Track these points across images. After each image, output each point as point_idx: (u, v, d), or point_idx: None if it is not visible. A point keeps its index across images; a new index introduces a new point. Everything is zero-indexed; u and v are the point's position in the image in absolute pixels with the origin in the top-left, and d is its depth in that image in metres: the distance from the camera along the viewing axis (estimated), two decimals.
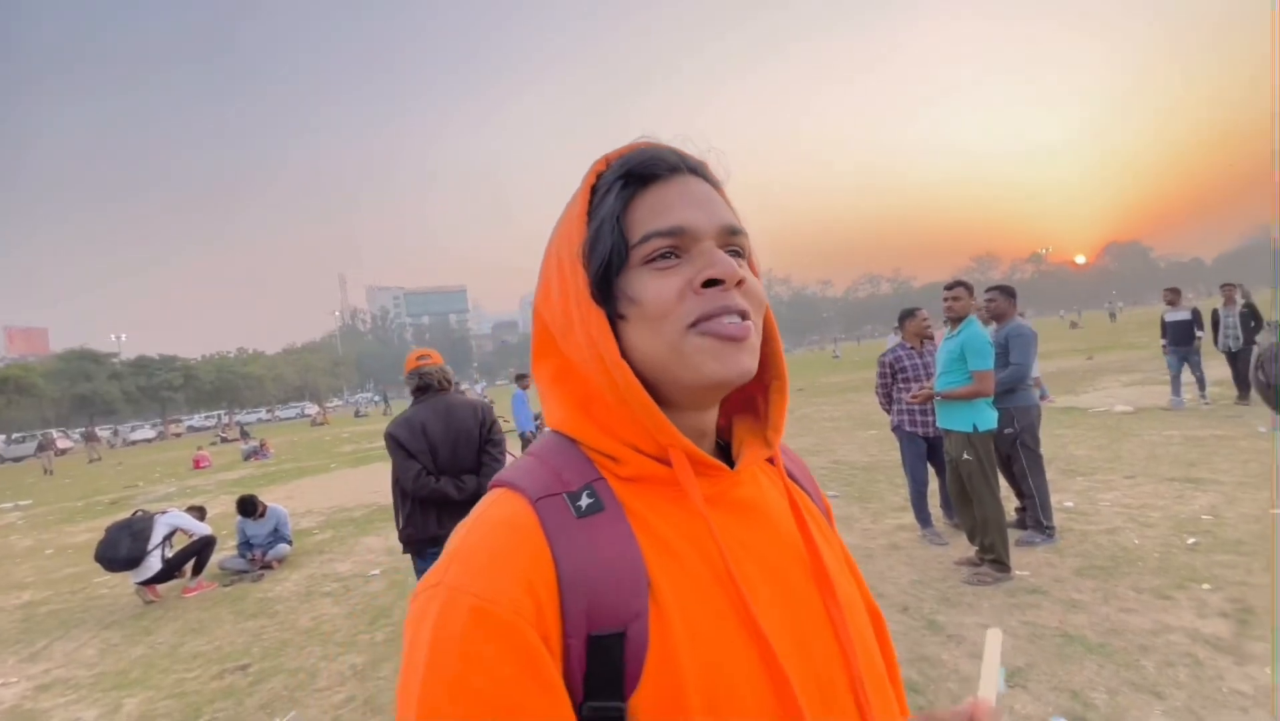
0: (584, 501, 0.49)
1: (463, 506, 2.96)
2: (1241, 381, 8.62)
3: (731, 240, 0.53)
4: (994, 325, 4.63)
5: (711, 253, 0.50)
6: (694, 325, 0.49)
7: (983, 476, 3.87)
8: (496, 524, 0.48)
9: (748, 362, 0.50)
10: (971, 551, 4.08)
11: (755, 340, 0.52)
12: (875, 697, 0.52)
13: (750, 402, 0.62)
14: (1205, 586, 3.40)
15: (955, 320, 4.05)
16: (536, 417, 10.54)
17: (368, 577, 5.45)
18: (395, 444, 2.95)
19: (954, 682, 2.78)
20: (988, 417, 3.91)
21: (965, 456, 3.89)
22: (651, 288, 0.50)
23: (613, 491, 0.51)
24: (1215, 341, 8.92)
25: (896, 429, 4.99)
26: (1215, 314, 8.99)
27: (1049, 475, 4.59)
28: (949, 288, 4.14)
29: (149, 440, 47.45)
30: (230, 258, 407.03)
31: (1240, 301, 8.78)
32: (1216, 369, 9.50)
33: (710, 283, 0.49)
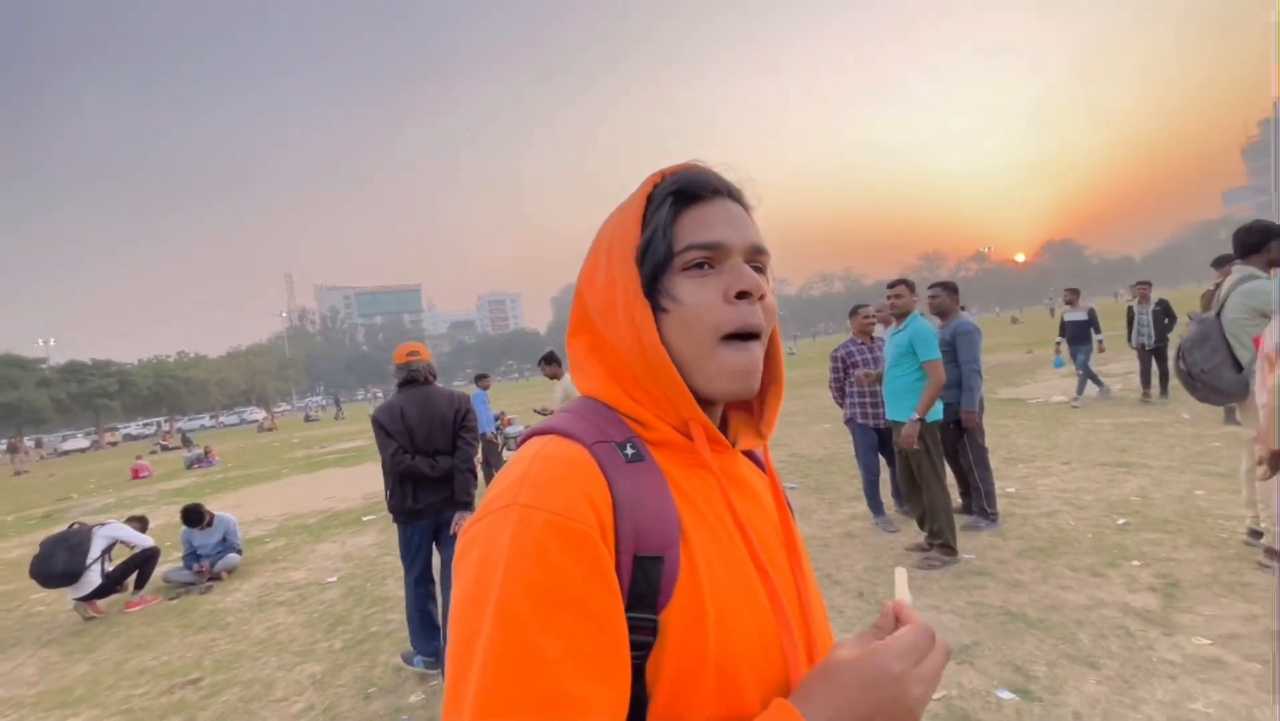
0: (629, 450, 0.58)
1: (436, 482, 3.37)
2: (1147, 378, 8.83)
3: (757, 258, 0.62)
4: (938, 321, 4.82)
5: (741, 267, 0.60)
6: (726, 338, 0.59)
7: (931, 465, 4.04)
8: (559, 458, 0.55)
9: (754, 385, 0.61)
10: (921, 537, 4.25)
11: (761, 361, 0.62)
12: (819, 640, 0.63)
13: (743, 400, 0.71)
14: (1135, 563, 3.64)
15: (899, 316, 4.21)
16: (496, 418, 10.42)
17: (324, 585, 5.32)
18: (377, 425, 3.36)
19: None
20: (935, 409, 4.07)
21: (914, 446, 4.04)
22: (691, 291, 0.59)
23: (647, 447, 0.60)
24: (1129, 339, 9.03)
25: (849, 421, 5.15)
26: (1130, 311, 9.07)
27: (992, 463, 4.81)
28: (892, 285, 4.31)
29: (82, 450, 44.95)
30: (168, 257, 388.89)
31: (1154, 300, 8.85)
32: (1123, 366, 10.08)
33: (740, 295, 0.59)
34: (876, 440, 5.03)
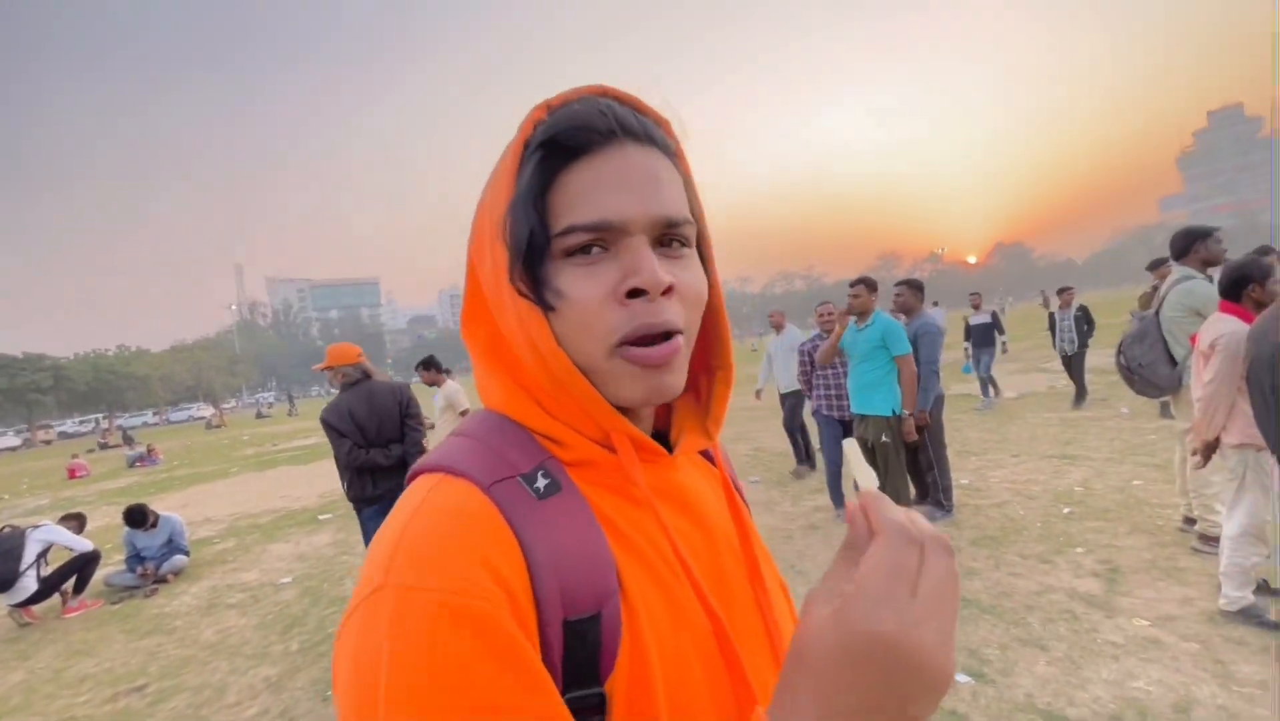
0: (540, 482, 0.45)
1: (392, 469, 3.57)
2: (1079, 384, 8.59)
3: (670, 231, 0.47)
4: (904, 317, 4.93)
5: (639, 255, 0.45)
6: (619, 346, 0.45)
7: (897, 457, 4.15)
8: (444, 511, 0.42)
9: (671, 383, 0.47)
10: None
11: (684, 355, 0.48)
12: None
13: (694, 383, 0.59)
14: (1079, 550, 3.80)
15: (860, 314, 4.31)
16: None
17: (278, 586, 5.15)
18: (328, 426, 3.53)
19: None
20: (896, 403, 4.18)
21: (884, 439, 4.14)
22: (575, 288, 0.45)
23: (565, 470, 0.48)
24: (1054, 344, 8.90)
25: (815, 413, 5.27)
26: (1052, 317, 8.93)
27: (948, 456, 4.96)
28: (852, 285, 4.40)
29: (13, 449, 42.44)
30: (109, 247, 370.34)
31: (1075, 305, 8.62)
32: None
33: (632, 293, 0.45)
34: (841, 432, 5.14)
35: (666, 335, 0.46)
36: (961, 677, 2.65)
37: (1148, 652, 2.67)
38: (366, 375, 3.65)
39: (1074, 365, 8.58)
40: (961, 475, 5.71)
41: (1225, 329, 2.83)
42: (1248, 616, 2.79)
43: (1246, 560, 2.81)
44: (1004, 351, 10.05)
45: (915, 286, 4.95)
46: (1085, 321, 8.63)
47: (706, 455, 0.62)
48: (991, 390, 9.62)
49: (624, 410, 0.49)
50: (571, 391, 0.47)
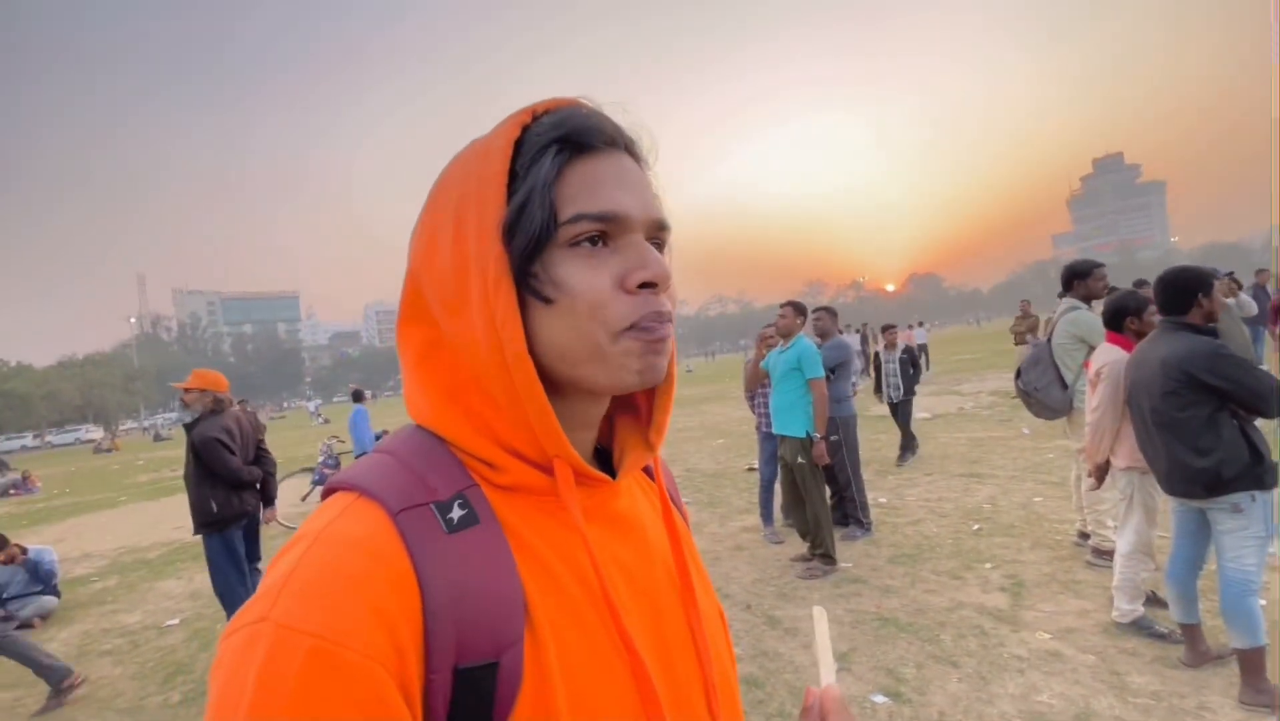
0: (455, 513, 0.43)
1: (252, 487, 3.99)
2: (905, 433, 7.38)
3: (658, 235, 0.49)
4: (819, 340, 5.10)
5: (644, 249, 0.46)
6: (628, 330, 0.45)
7: (814, 478, 4.22)
8: (346, 544, 0.40)
9: (664, 367, 0.48)
10: (804, 548, 4.42)
11: (672, 344, 0.50)
12: (725, 709, 0.53)
13: (630, 400, 0.58)
14: (988, 565, 3.97)
15: (785, 335, 4.43)
16: (378, 437, 9.77)
17: (162, 629, 4.68)
18: (219, 445, 3.77)
19: (790, 674, 2.97)
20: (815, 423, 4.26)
21: (799, 460, 4.21)
22: (582, 277, 0.45)
23: (488, 501, 0.45)
24: (876, 390, 7.52)
25: (758, 429, 5.36)
26: (877, 357, 7.66)
27: (866, 475, 5.12)
28: (781, 307, 4.53)
29: None
30: None
31: (900, 346, 7.43)
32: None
33: (645, 285, 0.46)
34: (776, 449, 5.22)
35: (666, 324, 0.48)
36: (879, 698, 2.67)
37: (1050, 666, 2.79)
38: (228, 404, 4.01)
39: (899, 412, 7.33)
40: (880, 494, 5.89)
41: (1109, 358, 3.04)
42: (1139, 628, 2.96)
43: (1137, 575, 2.99)
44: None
45: (831, 313, 5.24)
46: (912, 364, 7.52)
47: (647, 471, 0.62)
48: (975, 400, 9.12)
49: (577, 419, 0.50)
50: (523, 405, 0.45)
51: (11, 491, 15.57)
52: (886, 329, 7.96)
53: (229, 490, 3.82)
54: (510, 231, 0.45)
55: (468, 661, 0.40)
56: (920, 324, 20.90)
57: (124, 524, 9.61)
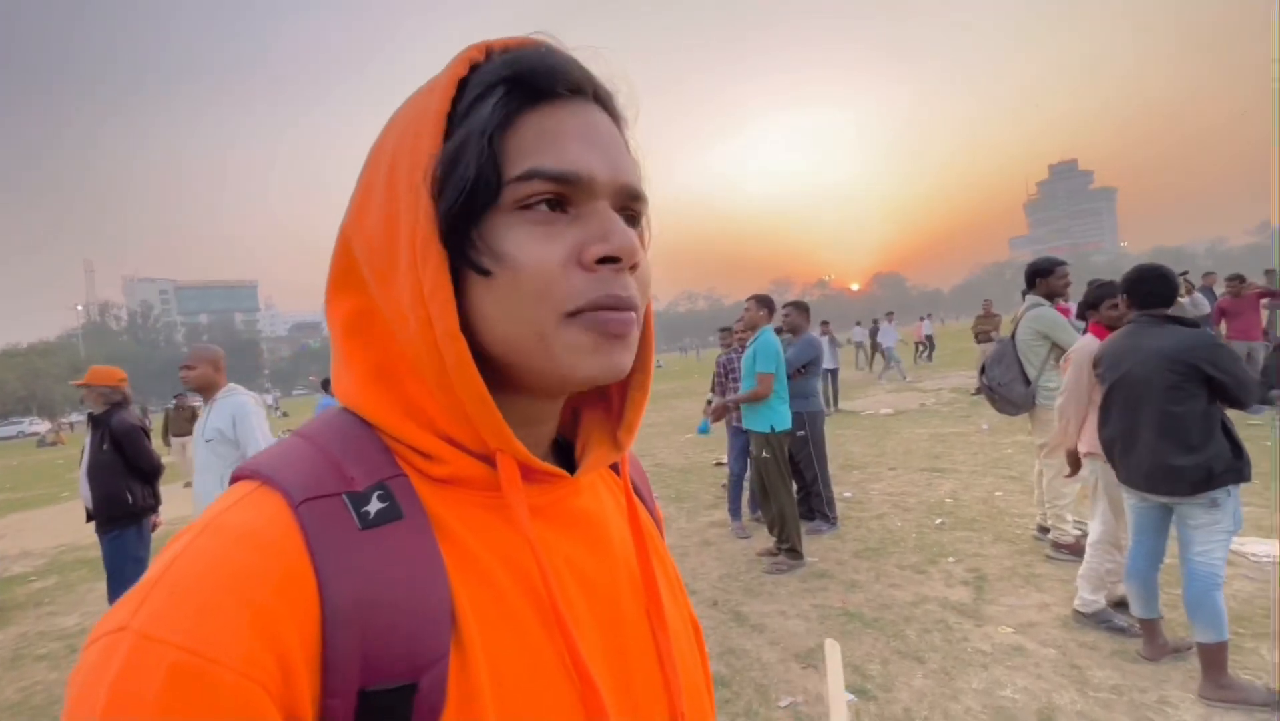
0: (373, 506, 0.36)
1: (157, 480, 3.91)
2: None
3: (630, 205, 0.42)
4: (790, 336, 5.10)
5: (608, 218, 0.39)
6: (575, 314, 0.38)
7: (779, 473, 4.21)
8: (232, 536, 0.33)
9: (624, 361, 0.41)
10: (771, 542, 4.41)
11: (635, 335, 0.42)
12: (690, 708, 0.46)
13: (602, 392, 0.52)
14: (950, 560, 4.02)
15: (750, 328, 4.42)
16: None
17: None
18: (142, 434, 3.78)
19: (757, 671, 2.95)
20: (784, 418, 4.25)
21: (764, 455, 4.20)
22: (531, 249, 0.37)
23: (415, 494, 0.38)
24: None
25: (727, 424, 5.33)
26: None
27: (831, 470, 5.15)
28: (747, 301, 4.52)
29: None
30: None
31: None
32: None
33: (605, 260, 0.39)
34: (746, 444, 5.22)
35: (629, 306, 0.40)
36: (850, 697, 2.67)
37: (1013, 660, 2.82)
38: (127, 400, 3.93)
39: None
40: (844, 488, 5.94)
41: (1079, 344, 3.07)
42: (1099, 620, 2.99)
43: (1102, 565, 3.01)
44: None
45: (801, 308, 5.17)
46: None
47: (614, 466, 0.55)
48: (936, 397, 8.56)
49: (526, 412, 0.43)
50: (456, 386, 0.38)
51: None
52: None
53: (143, 482, 3.80)
54: (441, 185, 0.38)
55: (377, 683, 0.33)
56: (929, 315, 22.66)
57: (65, 521, 9.14)
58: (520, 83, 0.39)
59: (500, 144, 0.38)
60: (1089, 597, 3.03)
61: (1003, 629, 3.09)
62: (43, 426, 46.04)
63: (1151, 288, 2.60)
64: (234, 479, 0.39)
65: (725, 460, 6.42)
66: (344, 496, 0.36)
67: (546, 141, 0.38)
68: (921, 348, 19.62)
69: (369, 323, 0.42)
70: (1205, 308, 7.10)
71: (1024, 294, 4.12)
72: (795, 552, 4.18)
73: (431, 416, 0.40)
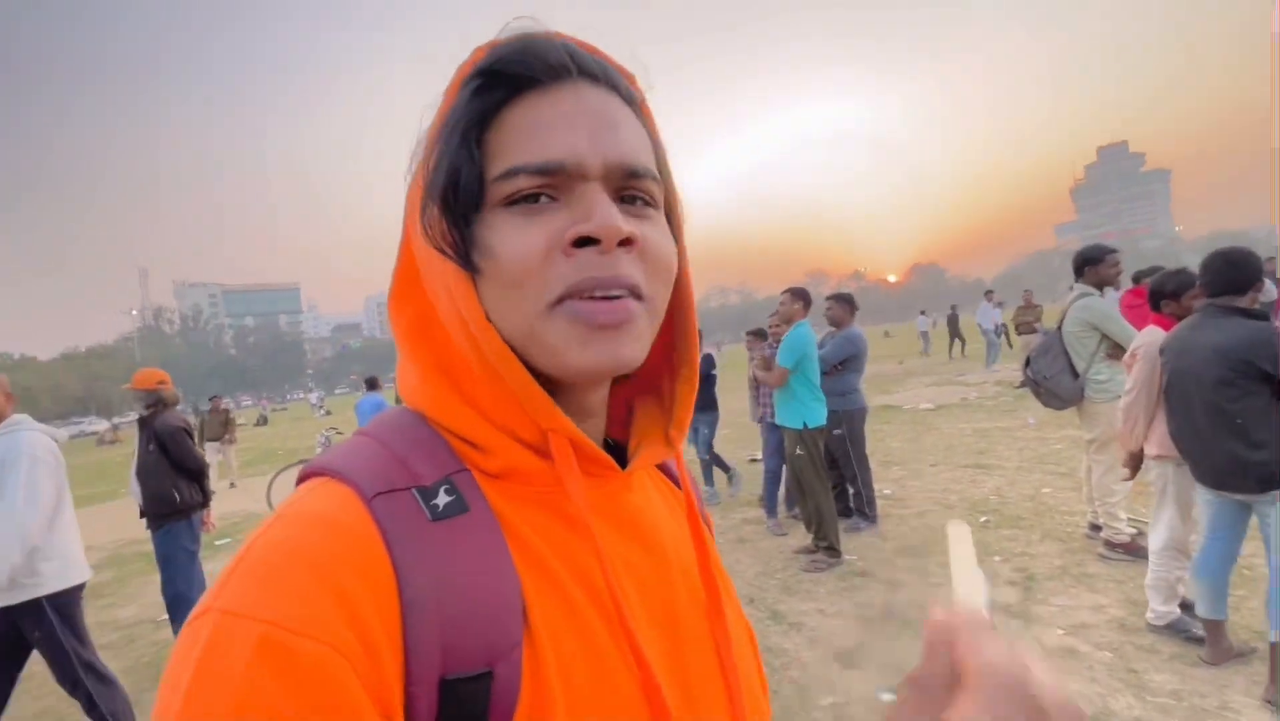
0: (441, 499, 0.37)
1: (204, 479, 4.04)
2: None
3: (632, 184, 0.40)
4: (834, 329, 4.95)
5: (593, 199, 0.37)
6: (559, 302, 0.37)
7: (813, 469, 4.13)
8: (309, 523, 0.34)
9: (626, 352, 0.39)
10: (808, 540, 4.34)
11: (643, 323, 0.40)
12: (750, 712, 0.45)
13: (655, 384, 0.51)
14: (997, 559, 3.89)
15: (785, 321, 4.34)
16: None
17: (158, 623, 4.63)
18: (186, 435, 3.91)
19: (796, 670, 2.90)
20: (816, 415, 4.17)
21: (797, 451, 4.13)
22: (511, 241, 0.37)
23: (479, 488, 0.39)
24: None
25: (761, 420, 5.28)
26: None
27: (871, 467, 5.03)
28: (782, 294, 4.44)
29: None
30: None
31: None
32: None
33: (584, 241, 0.37)
34: (780, 441, 5.14)
35: (619, 296, 0.38)
36: (886, 695, 2.60)
37: (1064, 663, 2.70)
38: (171, 402, 4.06)
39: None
40: (884, 485, 5.80)
41: (1147, 338, 2.88)
42: (1175, 631, 2.79)
43: (1170, 574, 2.83)
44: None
45: (846, 300, 4.92)
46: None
47: (670, 473, 0.55)
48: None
49: (571, 404, 0.42)
50: (504, 377, 0.39)
51: None
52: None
53: (190, 480, 3.94)
54: (438, 190, 0.39)
55: (456, 671, 0.33)
56: (1000, 303, 18.42)
57: (125, 515, 9.56)
58: (498, 76, 0.39)
59: (485, 142, 0.39)
60: (1161, 609, 2.84)
61: (1054, 630, 2.97)
62: (101, 426, 48.34)
63: (1224, 274, 2.42)
64: (302, 477, 0.40)
65: (759, 456, 6.35)
66: (414, 491, 0.37)
67: (526, 134, 0.38)
68: (960, 341, 18.80)
69: (429, 324, 0.43)
70: (1275, 294, 6.69)
71: (1072, 284, 3.95)
72: (833, 550, 4.10)
73: (485, 408, 0.41)
